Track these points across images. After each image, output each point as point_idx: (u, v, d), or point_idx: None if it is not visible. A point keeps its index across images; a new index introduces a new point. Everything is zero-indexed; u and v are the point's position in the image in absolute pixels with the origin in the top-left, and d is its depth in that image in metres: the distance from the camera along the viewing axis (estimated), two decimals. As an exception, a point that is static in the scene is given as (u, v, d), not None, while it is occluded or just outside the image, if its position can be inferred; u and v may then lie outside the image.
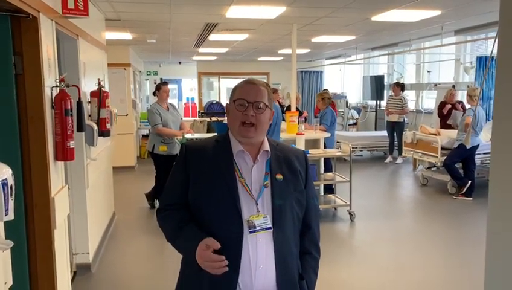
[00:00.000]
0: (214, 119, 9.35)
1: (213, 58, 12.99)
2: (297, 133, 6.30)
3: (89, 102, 4.27)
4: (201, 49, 10.21)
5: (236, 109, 1.71)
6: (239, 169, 1.71)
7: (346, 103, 12.87)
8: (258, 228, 1.65)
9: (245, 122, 1.69)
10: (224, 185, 1.67)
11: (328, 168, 6.70)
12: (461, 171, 7.12)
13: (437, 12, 5.76)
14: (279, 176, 1.73)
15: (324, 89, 11.31)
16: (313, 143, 6.52)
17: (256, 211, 1.67)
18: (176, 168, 1.79)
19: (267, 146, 1.77)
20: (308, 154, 5.80)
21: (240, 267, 1.63)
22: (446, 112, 8.42)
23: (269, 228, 1.67)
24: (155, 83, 14.93)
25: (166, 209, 1.79)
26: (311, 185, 1.87)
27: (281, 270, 1.68)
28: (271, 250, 1.67)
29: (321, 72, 15.01)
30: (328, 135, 6.70)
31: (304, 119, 7.19)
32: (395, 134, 9.94)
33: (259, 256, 1.65)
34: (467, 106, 7.51)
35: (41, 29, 2.77)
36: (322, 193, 6.65)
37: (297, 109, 7.98)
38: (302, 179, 1.80)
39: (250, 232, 1.64)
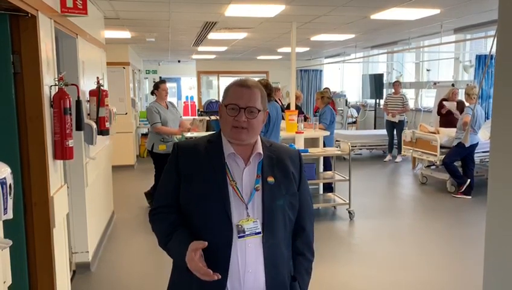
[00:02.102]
0: (213, 117, 9.34)
1: (212, 56, 12.99)
2: (296, 132, 6.30)
3: (88, 101, 4.27)
4: (200, 48, 10.21)
5: (228, 114, 1.67)
6: (230, 172, 1.68)
7: (346, 101, 12.87)
8: (247, 233, 1.63)
9: (237, 126, 1.66)
10: (215, 188, 1.65)
11: (327, 166, 6.70)
12: (460, 170, 7.13)
13: (436, 11, 5.75)
14: (270, 179, 1.70)
15: (325, 88, 11.30)
16: (312, 142, 6.51)
17: (246, 215, 1.65)
18: (168, 169, 1.76)
19: (259, 148, 1.73)
20: (307, 153, 5.82)
21: (228, 271, 1.61)
22: (445, 112, 8.41)
23: (259, 233, 1.64)
24: (154, 82, 14.95)
25: (158, 211, 1.76)
26: (306, 186, 1.83)
27: (270, 274, 1.66)
28: (260, 254, 1.65)
29: (320, 70, 15.01)
30: (327, 133, 6.70)
31: (303, 118, 7.19)
32: (394, 132, 9.95)
33: (248, 260, 1.63)
34: (466, 104, 7.50)
35: (40, 28, 2.76)
36: (321, 191, 6.65)
37: (298, 107, 7.98)
38: (295, 181, 1.77)
39: (239, 237, 1.62)
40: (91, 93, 4.27)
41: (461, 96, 8.96)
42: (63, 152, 3.03)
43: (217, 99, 13.68)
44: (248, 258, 1.63)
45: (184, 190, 1.69)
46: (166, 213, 1.73)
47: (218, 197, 1.64)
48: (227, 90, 1.72)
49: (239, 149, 1.71)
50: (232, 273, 1.62)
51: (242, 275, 1.63)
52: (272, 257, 1.67)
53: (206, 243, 1.57)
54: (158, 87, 6.15)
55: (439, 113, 8.64)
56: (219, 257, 1.60)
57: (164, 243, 1.71)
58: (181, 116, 6.49)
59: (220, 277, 1.54)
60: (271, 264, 1.66)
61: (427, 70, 11.03)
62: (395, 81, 10.32)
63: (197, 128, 7.51)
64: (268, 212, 1.67)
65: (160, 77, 15.78)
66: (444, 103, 8.37)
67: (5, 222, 1.92)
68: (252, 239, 1.64)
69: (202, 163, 1.70)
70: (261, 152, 1.73)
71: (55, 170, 3.08)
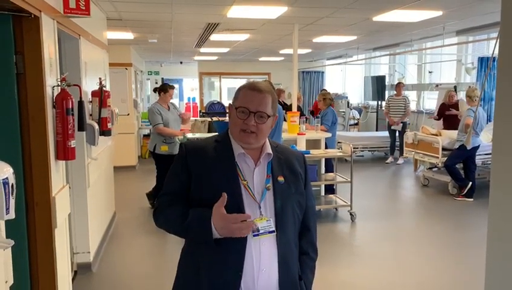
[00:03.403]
0: (215, 119, 9.35)
1: (214, 58, 13.00)
2: (298, 134, 6.30)
3: (90, 101, 4.27)
4: (202, 49, 10.22)
5: (238, 116, 1.67)
6: (241, 171, 1.69)
7: (348, 103, 12.86)
8: (261, 232, 1.64)
9: (245, 130, 1.67)
10: (228, 188, 1.64)
11: (329, 168, 6.69)
12: (462, 172, 7.11)
13: (439, 13, 5.75)
14: (280, 179, 1.72)
15: (322, 89, 11.32)
16: (314, 143, 6.51)
17: (259, 214, 1.66)
18: (175, 169, 1.74)
19: (269, 148, 1.74)
20: (309, 155, 5.82)
21: (242, 271, 1.61)
22: (447, 114, 8.38)
23: (272, 231, 1.66)
24: (156, 83, 14.99)
25: (163, 205, 1.73)
26: (310, 186, 1.86)
27: (283, 272, 1.68)
28: (274, 253, 1.66)
29: (322, 72, 15.01)
30: (329, 135, 6.70)
31: (305, 119, 7.20)
32: (396, 134, 9.94)
33: (262, 259, 1.64)
34: (467, 106, 7.49)
35: (42, 29, 2.77)
36: (323, 193, 6.64)
37: (299, 108, 7.98)
38: (302, 180, 1.79)
39: (254, 235, 1.63)
40: (93, 94, 4.28)
41: (462, 98, 8.95)
42: (65, 152, 3.03)
43: (218, 100, 13.68)
44: (263, 257, 1.64)
45: (194, 190, 1.68)
46: (173, 204, 1.70)
47: (231, 196, 1.63)
48: (239, 91, 1.72)
49: (248, 150, 1.72)
50: (246, 272, 1.62)
51: (256, 274, 1.63)
52: (285, 256, 1.69)
53: (225, 195, 1.57)
54: (166, 91, 6.16)
55: (439, 117, 8.62)
56: (234, 257, 1.61)
57: (179, 224, 1.65)
58: (180, 113, 6.50)
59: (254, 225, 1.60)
60: (284, 262, 1.68)
61: (429, 72, 11.01)
62: (398, 83, 10.29)
63: (187, 127, 7.50)
64: (280, 212, 1.69)
65: (162, 78, 15.81)
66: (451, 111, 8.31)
67: (7, 222, 1.92)
68: (266, 238, 1.65)
69: (212, 163, 1.70)
70: (271, 152, 1.74)
71: (57, 170, 3.08)
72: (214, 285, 1.62)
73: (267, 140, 1.77)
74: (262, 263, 1.64)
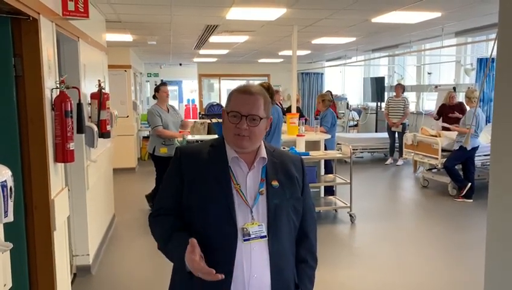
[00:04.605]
0: (214, 120, 9.35)
1: (213, 60, 13.00)
2: (297, 135, 6.30)
3: (89, 104, 4.27)
4: (201, 51, 10.23)
5: (230, 121, 1.65)
6: (234, 175, 1.67)
7: (347, 104, 12.87)
8: (252, 236, 1.61)
9: (239, 134, 1.65)
10: (220, 192, 1.64)
11: (328, 169, 6.69)
12: (461, 173, 7.11)
13: (438, 14, 5.76)
14: (275, 183, 1.69)
15: (327, 91, 11.31)
16: (313, 145, 6.51)
17: (251, 218, 1.64)
18: (170, 173, 1.74)
19: (263, 152, 1.72)
20: (308, 156, 5.82)
21: (232, 276, 1.59)
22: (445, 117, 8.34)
23: (264, 237, 1.63)
24: (156, 85, 14.99)
25: (158, 213, 1.74)
26: (308, 191, 1.82)
27: (276, 279, 1.64)
28: (266, 259, 1.63)
29: (322, 73, 15.02)
30: (328, 136, 6.69)
31: (304, 121, 7.20)
32: (396, 136, 9.94)
33: (253, 265, 1.61)
34: (467, 107, 7.50)
35: (41, 31, 2.77)
36: (322, 194, 6.64)
37: (298, 109, 7.98)
38: (299, 185, 1.76)
39: (244, 240, 1.61)
40: (92, 96, 4.28)
41: (462, 99, 8.94)
42: (64, 155, 3.03)
43: (218, 102, 13.69)
44: (253, 263, 1.62)
45: (187, 194, 1.67)
46: (166, 216, 1.72)
47: (223, 200, 1.62)
48: (230, 96, 1.71)
49: (242, 154, 1.70)
50: (236, 277, 1.59)
51: (247, 280, 1.61)
52: (278, 262, 1.66)
53: (195, 240, 1.54)
54: (159, 90, 6.15)
55: (438, 117, 8.61)
56: (223, 261, 1.58)
57: (163, 246, 1.69)
58: (182, 120, 6.48)
59: (223, 277, 1.52)
60: (277, 269, 1.65)
61: (429, 73, 11.02)
62: (397, 84, 10.30)
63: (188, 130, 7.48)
64: (273, 216, 1.66)
65: (161, 80, 15.81)
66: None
67: (5, 225, 1.92)
68: (257, 243, 1.62)
69: (206, 167, 1.68)
70: (265, 156, 1.71)
71: (56, 172, 3.08)
72: (205, 288, 1.58)
73: (263, 144, 1.75)
74: (253, 268, 1.61)
